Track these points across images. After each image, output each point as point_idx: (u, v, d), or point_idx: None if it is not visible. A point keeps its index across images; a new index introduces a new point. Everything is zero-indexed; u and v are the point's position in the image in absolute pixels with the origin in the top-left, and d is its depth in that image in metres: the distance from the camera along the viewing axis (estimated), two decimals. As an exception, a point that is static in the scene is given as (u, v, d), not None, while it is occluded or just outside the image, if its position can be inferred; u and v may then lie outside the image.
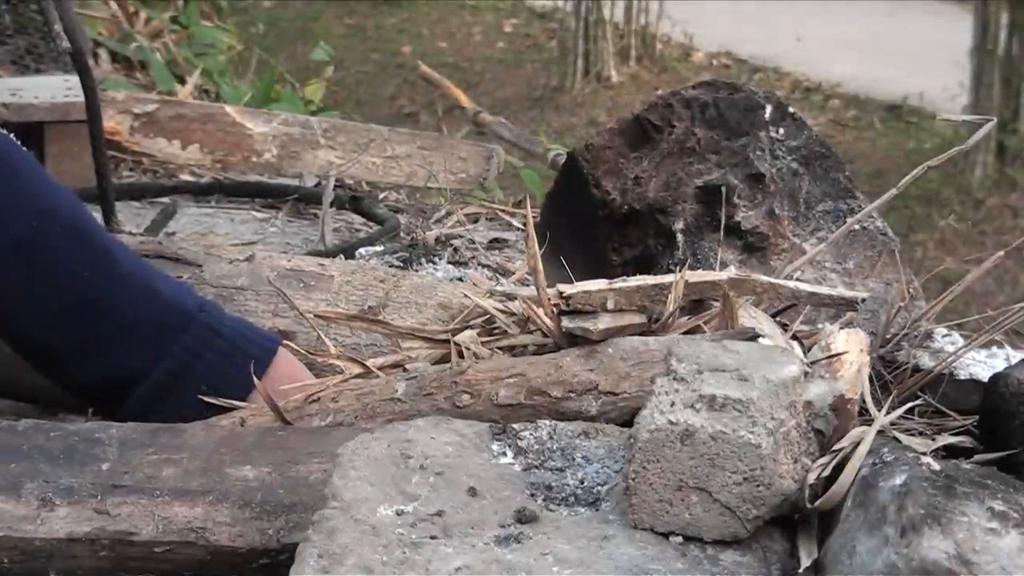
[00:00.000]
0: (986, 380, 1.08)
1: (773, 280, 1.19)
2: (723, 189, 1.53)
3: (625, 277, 1.11)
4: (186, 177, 2.49)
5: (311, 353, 1.22)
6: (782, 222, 1.55)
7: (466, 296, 1.24)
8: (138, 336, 1.17)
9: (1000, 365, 1.18)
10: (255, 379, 1.12)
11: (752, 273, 1.20)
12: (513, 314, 1.13)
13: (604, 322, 1.07)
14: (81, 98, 1.89)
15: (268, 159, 2.37)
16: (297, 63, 6.33)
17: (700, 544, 0.87)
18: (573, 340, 1.08)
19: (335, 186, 2.22)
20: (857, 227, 1.51)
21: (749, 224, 1.54)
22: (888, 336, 1.22)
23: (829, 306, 1.26)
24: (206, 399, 1.17)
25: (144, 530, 0.96)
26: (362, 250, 1.91)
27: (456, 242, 2.03)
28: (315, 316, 1.22)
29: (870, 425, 0.94)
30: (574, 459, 0.95)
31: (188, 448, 1.02)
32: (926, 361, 1.20)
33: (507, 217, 2.26)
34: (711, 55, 9.67)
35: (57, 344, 1.17)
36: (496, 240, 2.09)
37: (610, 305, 1.07)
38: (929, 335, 1.25)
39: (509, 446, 0.96)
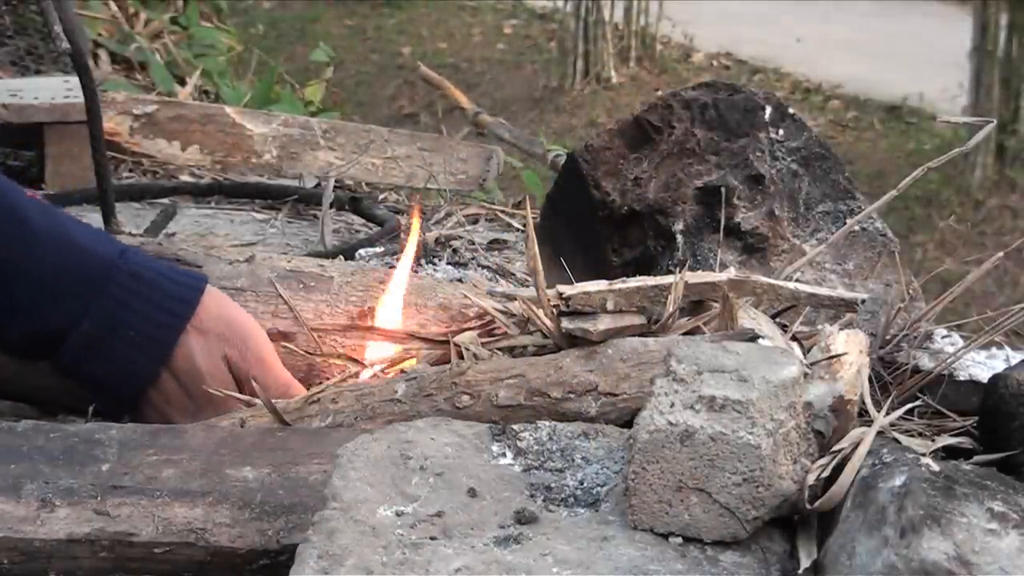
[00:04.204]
0: (986, 381, 1.08)
1: (773, 281, 1.19)
2: (723, 190, 1.53)
3: (625, 278, 1.11)
4: (186, 178, 2.49)
5: (310, 353, 1.22)
6: (782, 223, 1.55)
7: (466, 297, 1.24)
8: (60, 292, 1.15)
9: (1000, 366, 1.18)
10: (256, 385, 1.12)
11: (752, 274, 1.20)
12: (513, 315, 1.13)
13: (604, 323, 1.07)
14: (81, 99, 1.88)
15: (268, 160, 2.37)
16: (297, 64, 6.34)
17: (700, 545, 0.87)
18: (573, 341, 1.08)
19: (335, 187, 2.22)
20: (857, 228, 1.51)
21: (749, 225, 1.54)
22: (888, 337, 1.23)
23: (829, 307, 1.26)
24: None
25: (144, 531, 0.96)
26: (362, 251, 1.91)
27: (456, 243, 2.03)
28: (310, 330, 1.22)
29: (870, 426, 0.94)
30: (574, 460, 0.95)
31: (188, 449, 1.02)
32: (926, 362, 1.20)
33: (507, 218, 2.26)
34: (711, 56, 9.68)
35: None
36: (496, 241, 2.09)
37: (610, 306, 1.07)
38: (929, 336, 1.25)
39: (509, 447, 0.96)
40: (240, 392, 1.19)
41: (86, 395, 1.26)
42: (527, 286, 1.44)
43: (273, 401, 1.10)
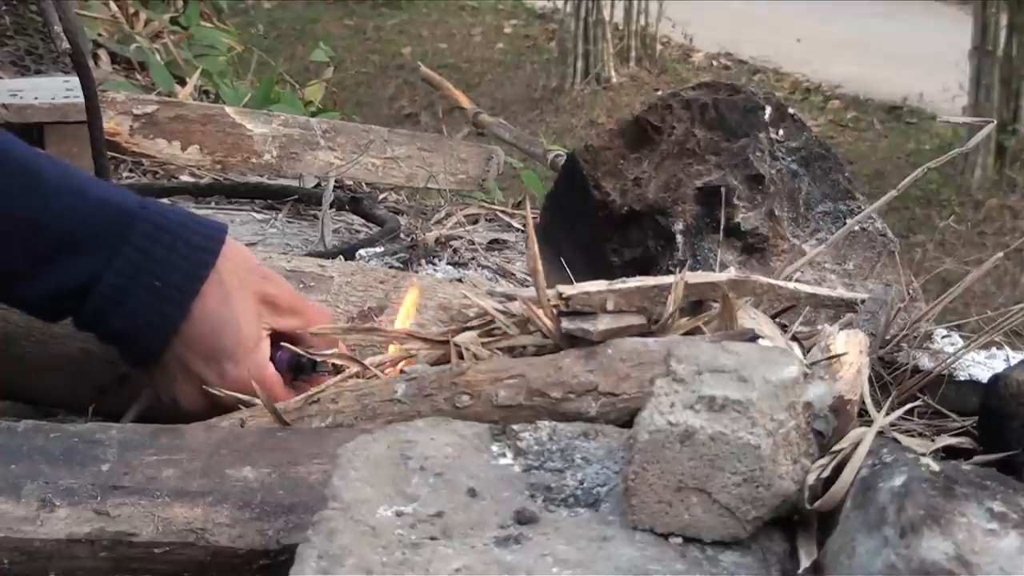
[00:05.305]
0: (986, 381, 1.08)
1: (773, 281, 1.19)
2: (723, 190, 1.53)
3: (625, 278, 1.11)
4: (186, 178, 2.50)
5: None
6: (782, 223, 1.55)
7: (466, 297, 1.24)
8: (83, 244, 1.14)
9: (1000, 366, 1.18)
10: (255, 384, 1.12)
11: (752, 274, 1.20)
12: (513, 315, 1.13)
13: (604, 323, 1.07)
14: (81, 99, 1.89)
15: (268, 160, 2.37)
16: (297, 64, 6.35)
17: (700, 545, 0.87)
18: (573, 341, 1.08)
19: (335, 187, 2.22)
20: (857, 228, 1.52)
21: (749, 225, 1.54)
22: (888, 337, 1.23)
23: (829, 307, 1.26)
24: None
25: (144, 531, 0.96)
26: (362, 251, 1.92)
27: (456, 243, 2.03)
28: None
29: (870, 426, 0.94)
30: (574, 460, 0.95)
31: (188, 449, 1.02)
32: (926, 362, 1.20)
33: (507, 218, 2.26)
34: (711, 56, 9.68)
35: (1, 268, 1.14)
36: (496, 241, 2.10)
37: (610, 306, 1.07)
38: (929, 336, 1.25)
39: (509, 447, 0.96)
40: (278, 328, 1.20)
41: (86, 395, 1.26)
42: (527, 286, 1.44)
43: (273, 402, 1.10)
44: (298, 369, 1.22)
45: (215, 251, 1.17)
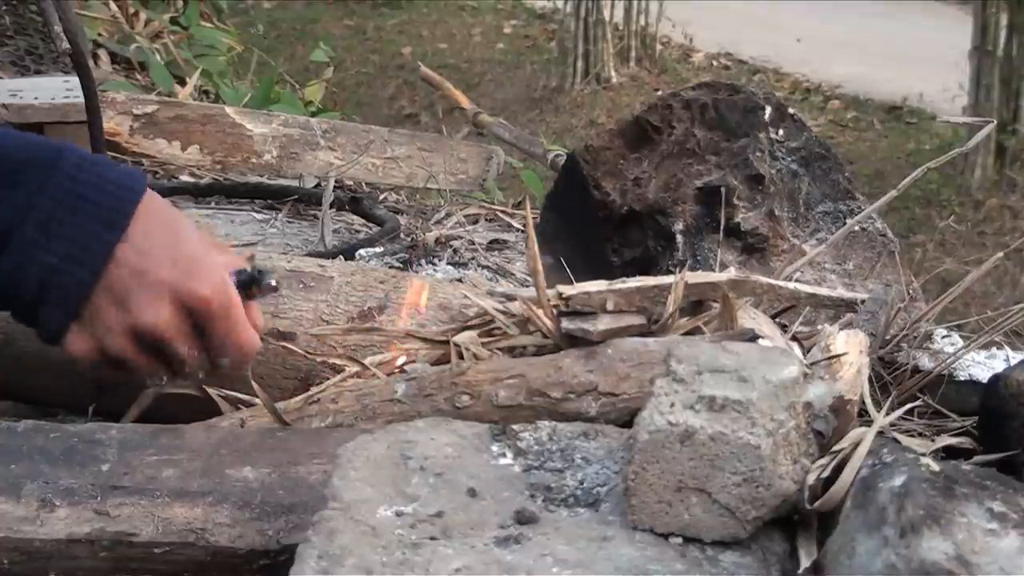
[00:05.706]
0: (986, 381, 1.09)
1: (773, 281, 1.19)
2: (723, 190, 1.53)
3: (625, 278, 1.11)
4: (186, 178, 2.50)
5: (310, 353, 1.22)
6: (782, 223, 1.55)
7: (466, 297, 1.24)
8: (5, 180, 1.08)
9: (999, 366, 1.18)
10: (255, 384, 1.12)
11: (752, 274, 1.21)
12: (513, 315, 1.13)
13: (604, 323, 1.07)
14: (81, 99, 1.89)
15: (268, 160, 2.37)
16: (297, 64, 6.35)
17: (700, 545, 0.87)
18: (573, 341, 1.08)
19: (335, 187, 2.22)
20: (857, 228, 1.52)
21: (749, 225, 1.54)
22: (888, 337, 1.23)
23: (829, 307, 1.26)
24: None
25: (144, 531, 0.96)
26: (362, 251, 1.92)
27: (456, 243, 2.03)
28: (310, 335, 1.20)
29: (870, 426, 0.94)
30: (574, 460, 0.95)
31: (188, 449, 1.02)
32: (926, 362, 1.20)
33: (507, 218, 2.26)
34: (711, 56, 9.68)
35: None
36: (496, 241, 2.10)
37: (610, 306, 1.07)
38: (929, 336, 1.25)
39: (509, 447, 0.96)
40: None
41: (85, 395, 1.25)
42: (527, 286, 1.44)
43: (274, 403, 1.10)
44: (247, 286, 1.17)
45: (142, 182, 1.11)
